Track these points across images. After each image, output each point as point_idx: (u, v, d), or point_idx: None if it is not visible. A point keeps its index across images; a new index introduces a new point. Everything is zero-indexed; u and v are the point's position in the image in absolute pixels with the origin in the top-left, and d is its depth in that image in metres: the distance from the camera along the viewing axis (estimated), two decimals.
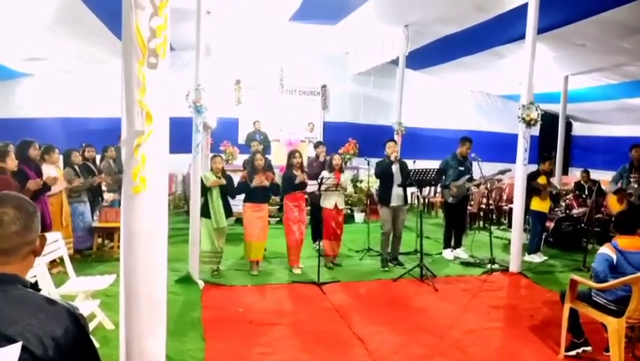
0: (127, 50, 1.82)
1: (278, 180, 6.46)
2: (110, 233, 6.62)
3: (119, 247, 6.35)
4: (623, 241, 3.39)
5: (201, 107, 5.14)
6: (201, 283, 5.20)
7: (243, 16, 8.22)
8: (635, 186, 6.28)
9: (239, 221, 8.03)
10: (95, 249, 6.35)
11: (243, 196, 5.97)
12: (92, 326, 3.68)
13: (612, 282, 3.23)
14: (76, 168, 6.26)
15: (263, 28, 9.05)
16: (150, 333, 1.87)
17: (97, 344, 1.40)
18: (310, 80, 11.41)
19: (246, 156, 8.60)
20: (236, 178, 6.14)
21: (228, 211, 5.82)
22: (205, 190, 5.52)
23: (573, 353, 3.56)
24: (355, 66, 11.05)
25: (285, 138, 10.15)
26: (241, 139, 10.63)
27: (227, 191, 5.75)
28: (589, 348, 3.55)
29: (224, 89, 10.58)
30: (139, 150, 1.81)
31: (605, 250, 3.39)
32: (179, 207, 9.21)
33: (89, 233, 6.31)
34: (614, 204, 6.39)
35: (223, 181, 5.61)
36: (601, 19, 6.26)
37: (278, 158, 9.21)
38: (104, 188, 7.10)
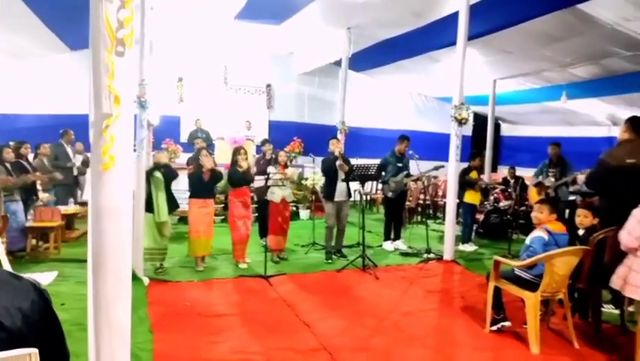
0: (95, 39, 1.93)
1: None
2: (45, 234, 6.35)
3: (55, 247, 6.20)
4: (552, 225, 3.84)
5: (146, 102, 5.09)
6: (146, 280, 5.15)
7: (187, 13, 8.16)
8: (552, 180, 6.96)
9: (183, 220, 7.96)
10: (29, 250, 6.06)
11: (187, 194, 5.98)
12: None
13: (527, 260, 3.65)
14: (8, 165, 5.97)
15: (207, 26, 9.01)
16: (117, 300, 1.98)
17: None
18: (255, 78, 11.45)
19: (189, 154, 8.54)
20: (182, 175, 6.13)
21: (174, 205, 5.78)
22: (149, 184, 5.43)
23: (495, 328, 3.96)
24: (300, 66, 11.23)
25: (230, 137, 10.14)
26: (183, 137, 10.48)
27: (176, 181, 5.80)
28: (507, 323, 3.96)
29: (166, 86, 10.39)
30: (108, 131, 1.93)
31: (539, 232, 3.82)
32: None
33: (23, 233, 6.01)
34: (534, 197, 7.03)
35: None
36: (525, 28, 6.89)
37: (222, 156, 9.17)
38: (38, 187, 6.78)
